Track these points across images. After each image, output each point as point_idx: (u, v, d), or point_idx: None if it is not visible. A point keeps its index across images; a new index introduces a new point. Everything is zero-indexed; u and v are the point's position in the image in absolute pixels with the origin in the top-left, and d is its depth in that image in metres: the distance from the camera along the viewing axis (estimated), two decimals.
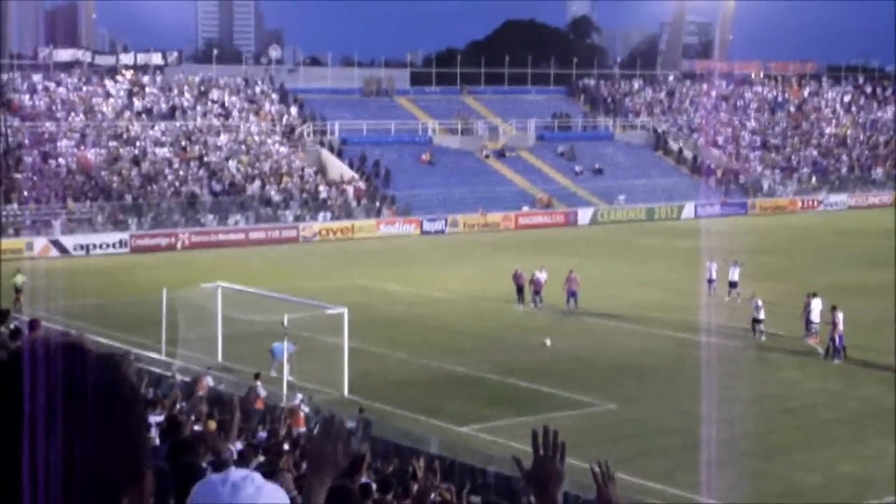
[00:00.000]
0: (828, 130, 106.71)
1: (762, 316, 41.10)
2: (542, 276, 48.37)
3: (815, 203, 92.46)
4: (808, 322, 40.55)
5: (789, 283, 50.47)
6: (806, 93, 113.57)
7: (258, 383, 29.84)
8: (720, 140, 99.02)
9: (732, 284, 48.75)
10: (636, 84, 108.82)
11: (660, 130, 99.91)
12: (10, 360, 2.22)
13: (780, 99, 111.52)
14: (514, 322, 45.44)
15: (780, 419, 30.96)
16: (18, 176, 68.75)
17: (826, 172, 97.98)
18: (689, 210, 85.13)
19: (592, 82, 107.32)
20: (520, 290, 48.41)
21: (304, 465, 22.53)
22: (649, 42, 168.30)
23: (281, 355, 33.58)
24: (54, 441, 2.09)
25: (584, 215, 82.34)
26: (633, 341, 41.01)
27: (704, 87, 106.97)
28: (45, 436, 2.10)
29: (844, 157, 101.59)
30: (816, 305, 40.57)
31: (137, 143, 76.64)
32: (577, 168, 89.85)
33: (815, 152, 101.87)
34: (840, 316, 38.12)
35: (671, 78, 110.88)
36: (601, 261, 60.27)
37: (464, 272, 57.40)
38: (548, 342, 40.16)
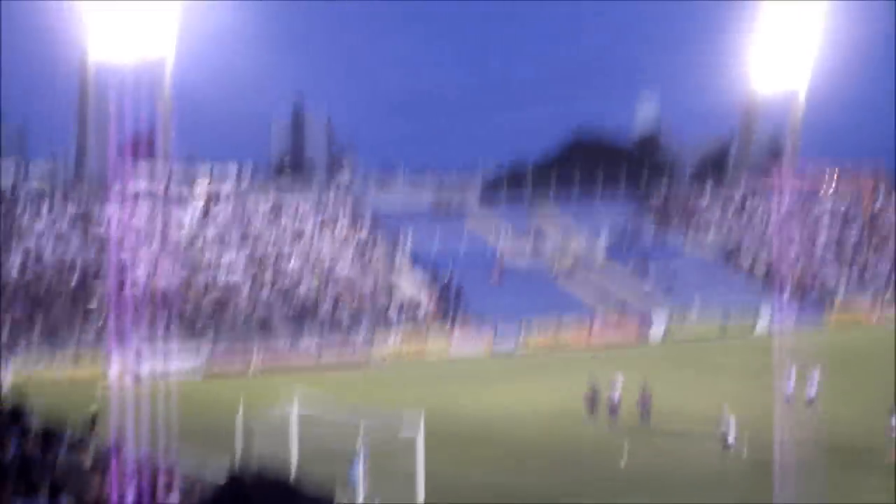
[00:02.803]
0: None
1: (731, 438, 40.59)
2: (616, 393, 47.97)
3: (893, 314, 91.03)
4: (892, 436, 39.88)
5: (870, 397, 49.54)
6: (879, 201, 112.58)
7: None
8: (793, 251, 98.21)
9: (810, 399, 48.04)
10: (706, 196, 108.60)
11: (731, 244, 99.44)
12: (230, 488, 2.32)
13: (852, 210, 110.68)
14: (588, 438, 44.97)
15: None
16: (94, 303, 69.73)
17: None
18: (762, 323, 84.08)
19: (662, 195, 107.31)
20: (592, 405, 47.97)
21: None
22: (718, 153, 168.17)
23: (357, 479, 33.40)
24: None
25: (657, 330, 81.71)
26: (710, 459, 40.38)
27: (775, 198, 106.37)
28: None
29: None
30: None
31: (210, 267, 77.61)
32: (649, 282, 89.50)
33: (889, 263, 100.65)
34: None
35: (741, 189, 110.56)
36: (674, 377, 59.67)
37: (537, 389, 57.05)
38: (623, 458, 39.67)
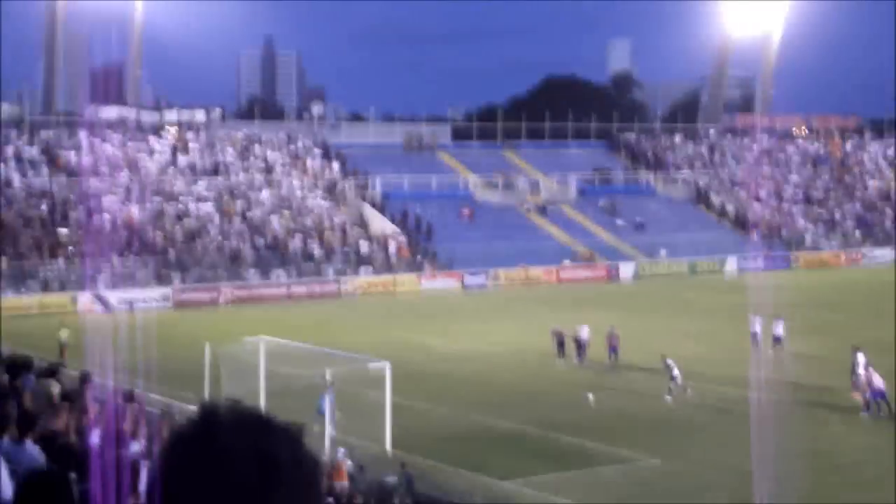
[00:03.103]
0: (871, 184, 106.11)
1: (676, 373, 40.92)
2: (584, 332, 48.26)
3: (859, 257, 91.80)
4: (855, 376, 40.40)
5: (835, 337, 50.04)
6: (849, 147, 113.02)
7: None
8: (762, 194, 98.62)
9: (777, 339, 48.53)
10: (677, 138, 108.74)
11: (701, 185, 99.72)
12: (200, 420, 2.32)
13: (822, 153, 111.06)
14: (556, 377, 45.26)
15: (827, 476, 30.59)
16: (64, 231, 69.42)
17: (869, 227, 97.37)
18: (731, 264, 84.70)
19: (633, 137, 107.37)
20: (560, 345, 48.26)
21: None
22: (690, 96, 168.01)
23: (326, 412, 33.55)
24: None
25: (626, 270, 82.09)
26: (676, 396, 40.74)
27: (746, 141, 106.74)
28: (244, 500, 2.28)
29: (888, 211, 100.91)
30: (860, 360, 40.42)
31: (181, 199, 77.29)
32: (619, 222, 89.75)
33: (858, 206, 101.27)
34: (872, 371, 38.26)
35: (712, 132, 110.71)
36: (644, 315, 60.04)
37: (506, 327, 57.28)
38: (591, 397, 40.01)
